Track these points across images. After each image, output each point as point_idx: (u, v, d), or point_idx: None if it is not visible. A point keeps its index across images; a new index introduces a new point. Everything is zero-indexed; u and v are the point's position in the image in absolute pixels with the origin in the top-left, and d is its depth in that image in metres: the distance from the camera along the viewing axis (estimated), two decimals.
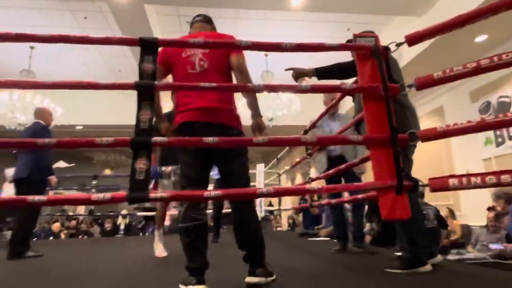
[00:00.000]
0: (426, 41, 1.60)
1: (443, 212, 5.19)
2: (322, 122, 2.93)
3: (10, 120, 6.07)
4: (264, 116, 1.94)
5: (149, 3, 4.95)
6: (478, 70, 1.34)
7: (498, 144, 5.08)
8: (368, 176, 2.30)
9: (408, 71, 2.19)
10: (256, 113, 1.68)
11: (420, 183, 1.41)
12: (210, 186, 2.28)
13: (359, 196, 1.79)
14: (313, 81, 1.71)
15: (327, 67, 1.93)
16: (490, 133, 5.13)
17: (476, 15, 1.36)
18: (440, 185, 1.35)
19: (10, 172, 5.19)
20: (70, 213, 10.61)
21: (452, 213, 5.19)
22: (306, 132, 2.89)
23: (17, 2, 5.22)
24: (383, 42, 1.56)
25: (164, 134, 1.70)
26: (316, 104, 6.36)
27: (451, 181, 1.31)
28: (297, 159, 3.94)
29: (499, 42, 4.90)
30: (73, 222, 9.22)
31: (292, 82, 1.80)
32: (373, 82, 1.48)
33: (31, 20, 5.58)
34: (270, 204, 10.60)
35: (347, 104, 5.27)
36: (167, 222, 6.88)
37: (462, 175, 1.31)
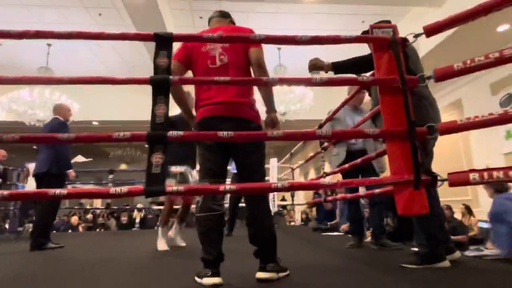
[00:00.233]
0: (443, 33, 1.55)
1: (458, 209, 5.09)
2: (345, 115, 2.87)
3: (30, 117, 6.25)
4: (277, 110, 1.93)
5: None
6: (502, 61, 1.29)
7: None
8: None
9: (425, 64, 2.13)
10: (271, 107, 1.68)
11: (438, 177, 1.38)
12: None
13: (376, 191, 1.76)
14: (323, 74, 1.69)
15: (344, 61, 1.89)
16: (511, 126, 4.96)
17: (502, 2, 1.31)
18: (459, 179, 1.32)
19: (32, 166, 5.36)
20: (88, 207, 10.90)
21: (468, 210, 5.08)
22: (321, 126, 2.86)
23: (34, 1, 5.33)
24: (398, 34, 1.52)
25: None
26: (329, 98, 6.29)
27: (472, 176, 1.28)
28: (311, 154, 3.92)
29: None
30: (90, 216, 9.48)
31: (305, 75, 1.78)
32: (390, 74, 1.45)
33: (47, 17, 5.70)
34: (283, 199, 10.61)
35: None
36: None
37: (484, 169, 1.27)
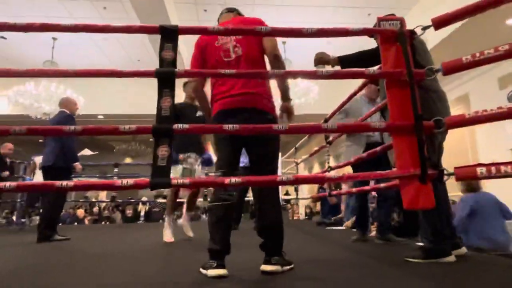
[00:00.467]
0: (450, 26, 1.52)
1: None
2: (361, 107, 2.81)
3: (36, 110, 6.29)
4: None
5: None
6: (511, 54, 1.27)
7: None
8: None
9: (432, 58, 2.12)
10: (286, 96, 1.69)
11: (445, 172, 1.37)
12: None
13: (382, 185, 1.76)
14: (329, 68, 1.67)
15: (350, 55, 1.87)
16: None
17: None
18: (467, 174, 1.31)
19: (39, 159, 5.43)
20: (93, 200, 11.02)
21: None
22: (326, 120, 2.84)
23: None
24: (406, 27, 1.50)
25: None
26: (334, 92, 6.26)
27: (479, 170, 1.27)
28: (315, 148, 3.91)
29: None
30: (96, 209, 9.58)
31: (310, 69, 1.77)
32: (397, 67, 1.44)
33: (53, 11, 5.70)
34: (287, 193, 10.63)
35: None
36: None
37: (491, 164, 1.26)
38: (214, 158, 1.90)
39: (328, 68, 1.75)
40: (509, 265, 1.77)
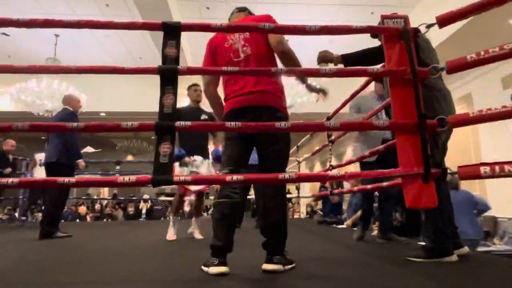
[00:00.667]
0: (453, 25, 1.51)
1: None
2: (372, 104, 2.76)
3: (39, 107, 6.30)
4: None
5: None
6: None
7: None
8: None
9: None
10: (301, 80, 1.81)
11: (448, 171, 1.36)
12: None
13: (384, 184, 1.75)
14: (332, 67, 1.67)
15: (354, 53, 1.85)
16: None
17: None
18: (470, 173, 1.30)
19: (39, 156, 5.47)
20: (95, 197, 11.05)
21: None
22: (329, 118, 2.83)
23: None
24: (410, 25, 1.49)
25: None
26: (336, 91, 6.23)
27: (483, 169, 1.26)
28: (317, 147, 3.90)
29: None
30: (98, 206, 9.61)
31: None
32: (401, 65, 1.43)
33: (55, 9, 5.70)
34: (288, 192, 10.63)
35: None
36: (186, 208, 7.03)
37: (495, 163, 1.25)
38: None
39: (332, 66, 1.75)
40: (510, 265, 1.76)
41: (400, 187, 1.44)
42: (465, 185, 3.99)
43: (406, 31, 1.45)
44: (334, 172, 2.33)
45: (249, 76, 1.60)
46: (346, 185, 5.40)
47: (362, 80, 2.41)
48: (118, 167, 6.56)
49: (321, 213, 5.93)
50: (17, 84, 6.31)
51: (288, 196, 9.15)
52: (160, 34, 1.42)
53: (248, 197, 5.06)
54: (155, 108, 1.33)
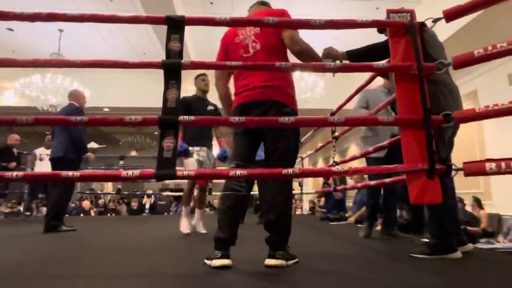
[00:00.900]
0: (460, 20, 1.48)
1: (469, 201, 5.04)
2: (380, 98, 2.72)
3: (43, 102, 6.33)
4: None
5: None
6: None
7: None
8: None
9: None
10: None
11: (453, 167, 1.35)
12: None
13: (387, 180, 1.74)
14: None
15: (359, 49, 1.83)
16: None
17: None
18: (475, 169, 1.29)
19: (39, 151, 5.52)
20: (99, 192, 11.13)
21: (478, 203, 5.04)
22: (333, 114, 2.81)
23: None
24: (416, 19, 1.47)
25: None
26: (339, 87, 6.20)
27: (488, 165, 1.24)
28: (320, 144, 3.89)
29: None
30: (102, 201, 9.68)
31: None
32: (407, 60, 1.41)
33: (59, 4, 5.70)
34: None
35: None
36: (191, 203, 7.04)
37: (501, 159, 1.24)
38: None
39: (337, 63, 1.73)
40: None
41: (405, 183, 1.43)
42: (469, 181, 3.96)
43: (412, 25, 1.44)
44: (338, 167, 2.33)
45: (257, 71, 1.60)
46: (349, 182, 5.39)
47: (366, 76, 2.39)
48: (121, 162, 6.58)
49: (322, 210, 5.94)
50: (22, 79, 6.34)
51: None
52: (163, 29, 1.41)
53: (251, 193, 5.06)
54: (159, 103, 1.32)
